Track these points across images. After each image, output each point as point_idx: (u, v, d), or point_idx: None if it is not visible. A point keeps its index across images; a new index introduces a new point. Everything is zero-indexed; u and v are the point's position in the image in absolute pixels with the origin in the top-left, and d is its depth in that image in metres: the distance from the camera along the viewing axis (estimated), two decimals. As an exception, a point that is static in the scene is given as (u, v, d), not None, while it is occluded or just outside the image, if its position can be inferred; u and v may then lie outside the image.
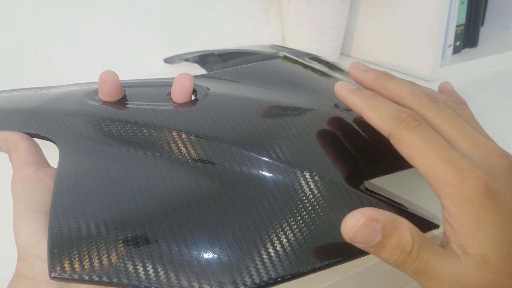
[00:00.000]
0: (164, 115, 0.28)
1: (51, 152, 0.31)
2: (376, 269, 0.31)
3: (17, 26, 0.60)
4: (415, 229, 0.21)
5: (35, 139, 0.30)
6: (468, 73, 0.68)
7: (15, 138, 0.29)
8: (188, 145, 0.27)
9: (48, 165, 0.29)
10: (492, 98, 0.57)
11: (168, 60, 0.70)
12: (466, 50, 0.74)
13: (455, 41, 0.71)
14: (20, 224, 0.24)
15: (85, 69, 0.66)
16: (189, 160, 0.26)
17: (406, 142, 0.22)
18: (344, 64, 0.45)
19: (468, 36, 0.74)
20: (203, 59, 0.63)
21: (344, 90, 0.26)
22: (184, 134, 0.27)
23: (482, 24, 0.87)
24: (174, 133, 0.27)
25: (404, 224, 0.20)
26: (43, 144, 0.30)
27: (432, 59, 0.63)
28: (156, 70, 0.71)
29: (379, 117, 0.23)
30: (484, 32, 0.81)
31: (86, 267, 0.22)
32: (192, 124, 0.27)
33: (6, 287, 0.24)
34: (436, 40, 0.62)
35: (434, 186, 0.21)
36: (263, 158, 0.26)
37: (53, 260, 0.22)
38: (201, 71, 0.64)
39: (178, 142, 0.27)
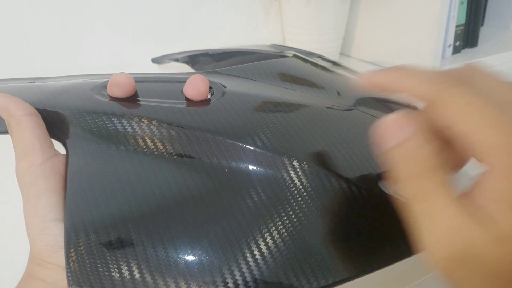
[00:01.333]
0: (182, 114, 0.26)
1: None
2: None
3: (18, 26, 0.60)
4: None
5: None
6: (468, 73, 0.67)
7: (17, 112, 0.25)
8: (213, 147, 0.25)
9: (54, 151, 0.26)
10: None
11: (156, 60, 0.66)
12: (466, 50, 0.74)
13: (455, 41, 0.71)
14: (32, 235, 0.23)
15: (84, 69, 0.66)
16: (214, 161, 0.25)
17: (449, 105, 0.17)
18: (344, 64, 0.45)
19: (468, 36, 0.74)
20: (193, 59, 0.59)
21: (368, 74, 0.22)
22: (204, 134, 0.25)
23: (482, 24, 0.86)
24: (197, 133, 0.25)
25: None
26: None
27: (432, 59, 0.63)
28: (154, 71, 0.71)
29: (415, 84, 0.20)
30: (484, 32, 0.81)
31: (108, 277, 0.21)
32: (213, 124, 0.26)
33: (16, 285, 0.23)
34: (436, 40, 0.62)
35: (480, 155, 0.17)
36: (283, 158, 0.25)
37: (72, 272, 0.21)
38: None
39: (201, 143, 0.25)
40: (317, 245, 0.22)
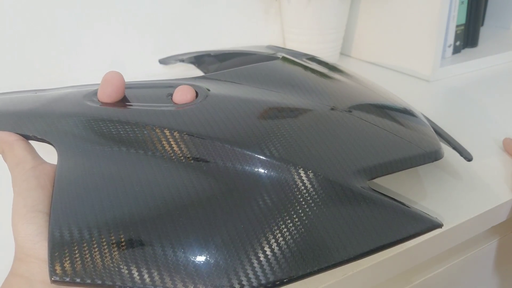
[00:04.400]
0: (165, 116, 0.28)
1: (48, 154, 0.31)
2: (376, 269, 0.31)
3: (18, 28, 0.60)
4: None
5: (30, 141, 0.30)
6: (468, 73, 0.68)
7: (9, 138, 0.28)
8: (191, 146, 0.26)
9: (44, 161, 0.29)
10: (492, 98, 0.57)
11: (163, 61, 0.69)
12: (466, 50, 0.74)
13: (455, 41, 0.71)
14: (18, 224, 0.24)
15: (85, 69, 0.66)
16: (191, 161, 0.26)
17: None
18: (344, 64, 0.45)
19: (468, 36, 0.74)
20: (198, 59, 0.62)
21: None
22: (186, 135, 0.27)
23: (482, 24, 0.87)
24: (175, 133, 0.27)
25: None
26: (39, 146, 0.30)
27: (432, 59, 0.63)
28: (156, 71, 0.71)
29: None
30: (484, 32, 0.81)
31: (87, 270, 0.22)
32: (194, 125, 0.27)
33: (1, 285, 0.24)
34: (436, 40, 0.62)
35: None
36: (262, 157, 0.26)
37: (54, 263, 0.22)
38: (197, 71, 0.64)
39: (179, 143, 0.27)
40: (321, 244, 0.24)
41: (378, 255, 0.30)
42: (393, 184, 0.37)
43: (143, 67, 0.70)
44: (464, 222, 0.33)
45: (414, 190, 0.36)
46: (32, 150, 0.29)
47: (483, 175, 0.38)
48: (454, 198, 0.35)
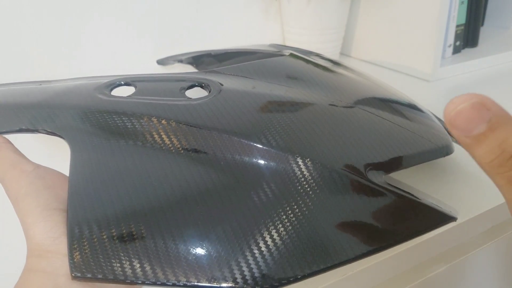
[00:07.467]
0: (180, 110, 0.28)
1: (49, 150, 0.31)
2: (376, 269, 0.31)
3: (17, 25, 0.60)
4: None
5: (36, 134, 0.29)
6: (468, 73, 0.68)
7: None
8: (209, 141, 0.26)
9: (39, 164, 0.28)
10: (492, 98, 0.57)
11: (161, 62, 0.68)
12: (466, 50, 0.74)
13: (455, 41, 0.71)
14: (34, 222, 0.23)
15: (84, 69, 0.66)
16: (209, 156, 0.26)
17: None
18: (343, 63, 0.45)
19: (468, 36, 0.74)
20: (197, 60, 0.61)
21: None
22: (204, 130, 0.26)
23: (482, 24, 0.86)
24: (193, 128, 0.27)
25: None
26: (42, 140, 0.29)
27: (432, 59, 0.63)
28: (155, 72, 0.70)
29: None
30: (484, 32, 0.81)
31: (109, 265, 0.21)
32: (210, 119, 0.27)
33: (15, 285, 0.23)
34: (436, 40, 0.62)
35: None
36: (281, 152, 0.26)
37: (75, 259, 0.22)
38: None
39: (197, 137, 0.26)
40: (322, 234, 0.23)
41: (377, 255, 0.30)
42: (410, 178, 0.36)
43: (142, 67, 0.70)
44: (464, 222, 0.33)
45: (431, 183, 0.36)
46: (22, 153, 0.28)
47: (483, 175, 0.38)
48: (453, 198, 0.35)
